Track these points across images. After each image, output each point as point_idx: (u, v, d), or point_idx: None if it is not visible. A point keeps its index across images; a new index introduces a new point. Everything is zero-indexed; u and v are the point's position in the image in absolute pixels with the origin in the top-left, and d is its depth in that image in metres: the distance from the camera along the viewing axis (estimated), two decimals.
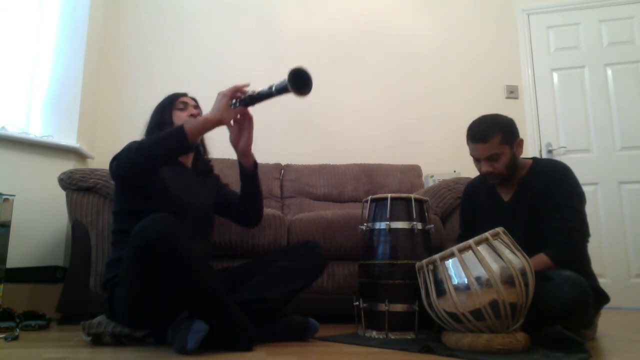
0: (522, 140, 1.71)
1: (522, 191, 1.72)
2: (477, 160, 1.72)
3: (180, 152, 1.51)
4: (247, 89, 1.52)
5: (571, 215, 1.59)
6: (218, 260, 2.03)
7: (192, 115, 1.72)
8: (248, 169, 1.70)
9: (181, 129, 1.45)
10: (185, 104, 1.77)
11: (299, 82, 1.36)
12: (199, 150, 1.83)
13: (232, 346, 1.31)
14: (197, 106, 1.81)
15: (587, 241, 1.61)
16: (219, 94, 1.50)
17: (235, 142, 1.65)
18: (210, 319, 1.28)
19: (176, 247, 1.25)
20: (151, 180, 1.53)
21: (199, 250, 1.56)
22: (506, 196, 1.76)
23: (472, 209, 1.88)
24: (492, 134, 1.64)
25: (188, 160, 1.77)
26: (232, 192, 1.87)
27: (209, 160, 1.86)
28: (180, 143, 1.44)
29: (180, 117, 1.71)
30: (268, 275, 1.57)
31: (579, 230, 1.59)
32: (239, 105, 1.51)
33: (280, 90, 1.39)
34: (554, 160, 1.85)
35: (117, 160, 1.46)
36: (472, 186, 1.92)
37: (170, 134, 1.47)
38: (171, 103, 1.76)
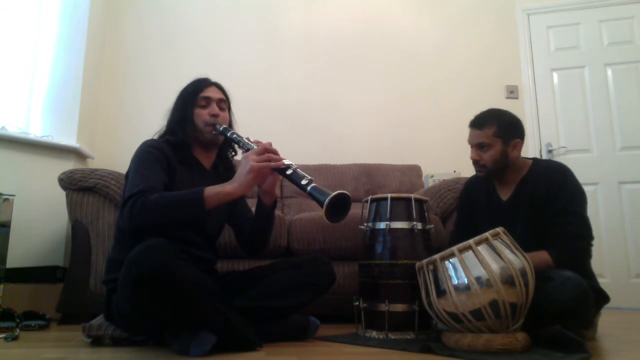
0: (519, 143, 1.70)
1: (520, 191, 1.72)
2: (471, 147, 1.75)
3: (194, 220, 1.38)
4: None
5: (574, 220, 1.59)
6: (218, 260, 2.02)
7: (213, 116, 1.54)
8: (267, 205, 1.57)
9: (200, 199, 1.31)
10: (209, 99, 1.57)
11: (336, 208, 1.29)
12: (226, 147, 1.67)
13: (235, 352, 1.30)
14: (223, 99, 1.61)
15: (591, 245, 1.61)
16: (246, 161, 1.36)
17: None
18: (212, 332, 1.26)
19: (173, 279, 1.20)
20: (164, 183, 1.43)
21: (203, 259, 1.55)
22: (504, 196, 1.76)
23: (470, 203, 1.89)
24: (488, 123, 1.68)
25: (209, 159, 1.63)
26: (247, 210, 1.72)
27: (231, 162, 1.68)
28: (196, 213, 1.32)
29: (201, 117, 1.54)
30: (275, 285, 1.51)
31: (583, 235, 1.59)
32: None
33: (314, 197, 1.30)
34: (554, 161, 1.85)
35: (129, 211, 1.31)
36: (472, 182, 1.93)
37: (188, 201, 1.33)
38: (193, 98, 1.57)
